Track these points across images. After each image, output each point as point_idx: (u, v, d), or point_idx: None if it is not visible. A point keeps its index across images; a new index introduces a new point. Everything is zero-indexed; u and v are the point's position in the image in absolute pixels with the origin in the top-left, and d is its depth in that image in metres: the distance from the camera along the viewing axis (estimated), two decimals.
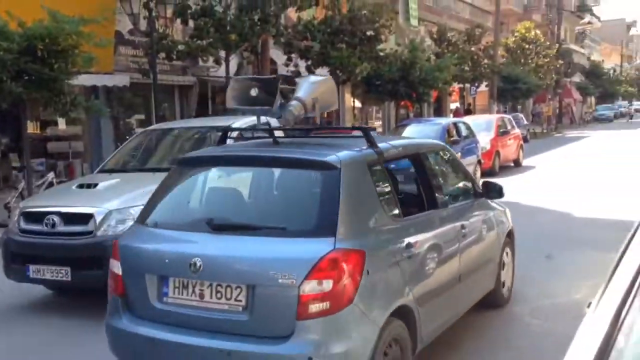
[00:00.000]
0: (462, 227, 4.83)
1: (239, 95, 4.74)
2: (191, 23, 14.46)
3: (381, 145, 4.19)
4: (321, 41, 17.45)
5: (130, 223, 5.68)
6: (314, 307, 3.30)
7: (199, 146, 7.56)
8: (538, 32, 40.60)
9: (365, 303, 3.45)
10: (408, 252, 3.92)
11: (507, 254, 5.92)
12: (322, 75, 8.13)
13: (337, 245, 3.40)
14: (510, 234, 6.04)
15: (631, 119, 55.05)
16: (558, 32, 46.48)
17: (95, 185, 6.73)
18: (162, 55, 14.39)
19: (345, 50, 17.68)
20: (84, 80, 11.46)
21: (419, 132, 14.48)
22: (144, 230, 4.03)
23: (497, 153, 17.44)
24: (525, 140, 24.27)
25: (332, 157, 3.73)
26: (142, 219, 4.12)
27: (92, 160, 14.54)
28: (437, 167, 5.11)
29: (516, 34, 39.09)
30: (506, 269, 5.91)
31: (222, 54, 14.63)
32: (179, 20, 14.68)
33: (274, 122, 5.00)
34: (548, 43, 41.48)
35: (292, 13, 17.44)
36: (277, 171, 4.12)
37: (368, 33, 18.30)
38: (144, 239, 3.98)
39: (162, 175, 5.93)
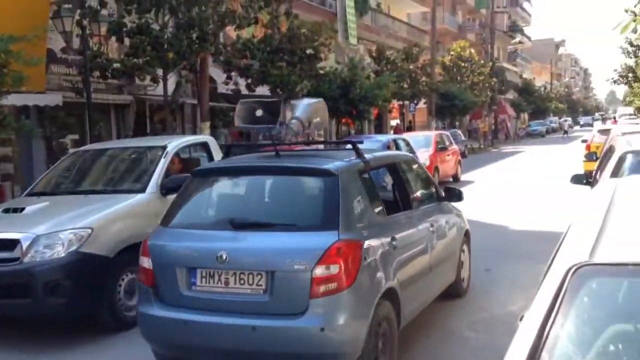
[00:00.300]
0: (431, 225, 5.70)
1: (246, 115, 5.78)
2: (127, 41, 14.16)
3: (366, 156, 4.99)
4: (261, 59, 17.42)
5: (60, 248, 5.49)
6: (324, 288, 4.02)
7: (134, 167, 7.35)
8: (473, 51, 41.93)
9: (363, 284, 4.21)
10: (393, 244, 4.71)
11: (464, 251, 6.79)
12: (315, 99, 9.07)
13: (341, 237, 4.15)
14: (467, 234, 6.94)
15: (566, 134, 57.36)
16: (491, 51, 48.16)
17: (22, 209, 6.40)
18: (97, 73, 14.01)
19: (285, 69, 17.71)
20: (14, 99, 11.00)
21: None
22: (170, 231, 4.69)
23: (436, 168, 17.77)
24: (463, 155, 24.87)
25: (330, 166, 4.58)
26: (165, 222, 4.80)
27: (23, 182, 13.93)
28: (409, 175, 5.96)
29: (452, 52, 40.24)
30: (464, 264, 6.80)
31: (160, 72, 14.38)
32: (114, 38, 14.36)
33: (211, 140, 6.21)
34: (482, 61, 42.88)
35: (231, 31, 17.36)
36: (285, 178, 4.92)
37: (308, 51, 18.40)
38: (172, 238, 4.64)
39: (96, 198, 6.16)
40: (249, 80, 17.94)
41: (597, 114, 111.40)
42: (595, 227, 1.80)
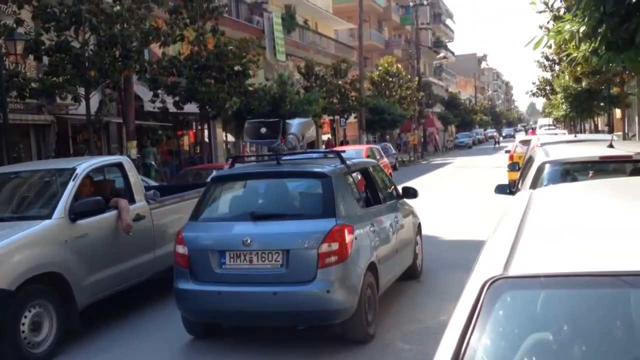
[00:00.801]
0: (395, 217, 7.11)
1: (253, 132, 7.25)
2: (46, 59, 13.61)
3: (347, 162, 6.44)
4: (188, 77, 17.15)
5: None
6: (327, 260, 5.34)
7: (41, 191, 6.97)
8: (400, 66, 42.92)
9: (355, 258, 5.57)
10: (372, 229, 6.12)
11: (417, 243, 8.12)
12: (305, 118, 10.88)
13: (337, 222, 5.49)
14: (419, 227, 8.31)
15: (498, 144, 59.33)
16: (418, 66, 49.43)
17: None
18: (14, 93, 13.38)
19: (214, 86, 17.51)
20: None
21: None
22: (200, 224, 5.97)
23: None
24: (394, 168, 25.27)
25: (325, 169, 5.98)
26: (194, 217, 6.04)
27: None
28: (376, 176, 7.43)
29: (379, 67, 41.03)
30: (418, 251, 8.15)
31: (82, 90, 13.88)
32: (32, 57, 13.77)
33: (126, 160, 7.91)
34: (409, 76, 43.96)
35: (156, 48, 17.03)
36: (290, 179, 6.45)
37: (236, 68, 18.27)
38: (202, 229, 5.91)
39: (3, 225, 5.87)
40: (177, 98, 17.61)
41: (519, 125, 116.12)
42: (509, 240, 1.80)
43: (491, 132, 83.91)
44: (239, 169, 6.86)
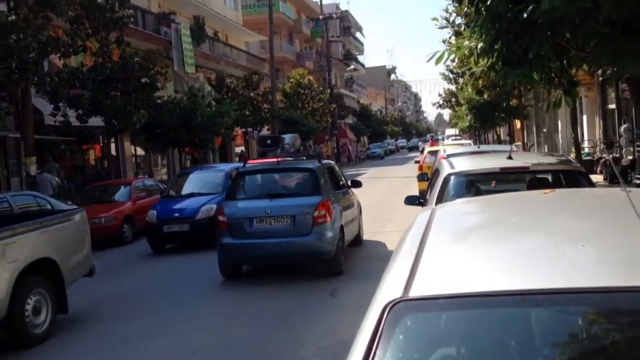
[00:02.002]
0: (349, 198, 10.79)
1: (261, 142, 11.95)
2: None
3: (322, 162, 10.30)
4: (92, 89, 16.45)
5: None
6: (318, 221, 8.75)
7: None
8: (311, 78, 43.33)
9: (333, 221, 9.00)
10: (340, 204, 9.58)
11: (360, 218, 11.54)
12: (293, 134, 14.87)
13: (323, 198, 8.94)
14: (360, 208, 11.59)
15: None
16: (329, 78, 50.11)
17: None
18: None
19: (120, 98, 16.89)
20: None
21: (202, 180, 14.24)
22: (234, 202, 9.39)
23: None
24: None
25: (312, 166, 9.62)
26: (230, 197, 9.58)
27: None
28: (336, 172, 10.92)
29: (291, 79, 41.23)
30: (361, 223, 11.63)
31: None
32: None
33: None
34: (321, 88, 44.44)
35: (56, 60, 16.23)
36: (291, 172, 9.99)
37: (143, 80, 17.73)
38: (236, 205, 9.32)
39: None
40: (80, 111, 16.84)
41: (428, 135, 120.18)
42: (409, 261, 1.77)
43: (402, 142, 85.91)
44: (254, 166, 10.58)
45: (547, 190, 2.44)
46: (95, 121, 17.69)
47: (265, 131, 34.52)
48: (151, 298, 8.98)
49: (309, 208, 8.84)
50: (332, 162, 11.65)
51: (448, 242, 1.97)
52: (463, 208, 2.56)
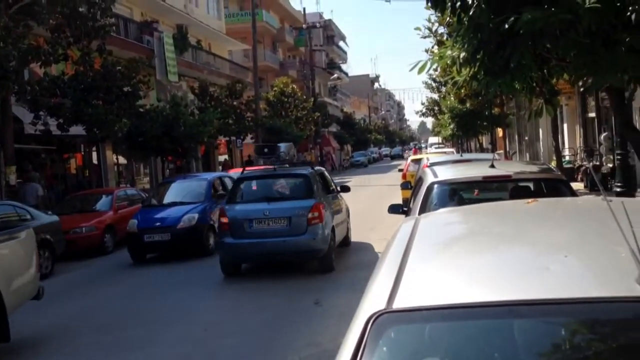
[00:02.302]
0: (339, 202, 11.62)
1: (259, 151, 12.25)
2: None
3: (315, 168, 11.33)
4: (73, 98, 16.30)
5: None
6: (312, 221, 9.70)
7: None
8: (295, 86, 43.36)
9: (326, 221, 10.01)
10: (331, 207, 10.59)
11: (348, 221, 12.56)
12: (288, 143, 14.77)
13: (316, 201, 9.88)
14: (348, 211, 12.78)
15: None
16: (313, 86, 50.19)
17: None
18: None
19: (101, 107, 16.75)
20: None
21: (185, 189, 14.16)
22: (234, 205, 10.14)
23: None
24: None
25: (306, 172, 10.62)
26: (230, 201, 10.35)
27: None
28: (327, 177, 11.78)
29: (275, 88, 41.22)
30: (349, 226, 12.59)
31: None
32: None
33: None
34: (305, 97, 44.48)
35: (37, 68, 16.08)
36: (287, 177, 10.85)
37: (125, 89, 17.61)
38: (236, 208, 10.08)
39: None
40: (61, 120, 16.67)
41: (411, 144, 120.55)
42: (393, 271, 1.77)
43: (385, 150, 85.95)
44: (252, 173, 11.98)
45: (530, 200, 2.46)
46: (77, 130, 17.52)
47: (249, 139, 34.45)
48: (132, 308, 8.88)
49: (303, 210, 9.74)
50: (323, 169, 12.65)
51: (432, 253, 1.97)
52: (447, 218, 2.56)
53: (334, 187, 11.89)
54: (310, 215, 9.66)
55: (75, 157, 23.46)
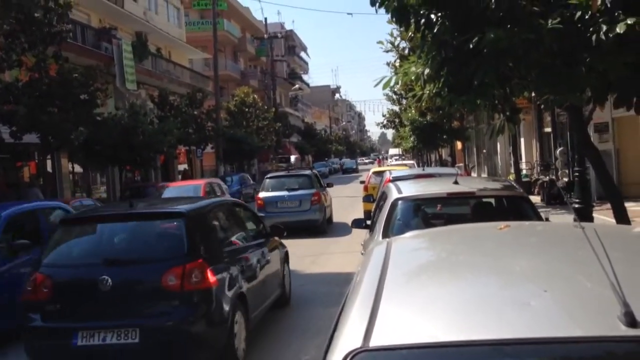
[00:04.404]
0: (328, 192, 19.00)
1: (280, 161, 40.52)
2: None
3: (313, 171, 19.63)
4: (28, 105, 15.80)
5: None
6: (314, 203, 16.36)
7: None
8: (256, 96, 43.21)
9: (323, 203, 16.80)
10: (324, 194, 17.67)
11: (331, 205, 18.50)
12: (296, 155, 34.94)
13: (316, 190, 16.86)
14: (331, 199, 18.59)
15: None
16: (274, 96, 50.10)
17: None
18: None
19: (57, 115, 16.29)
20: None
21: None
22: (265, 193, 16.92)
23: None
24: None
25: (309, 172, 18.46)
26: (262, 190, 17.33)
27: None
28: (319, 177, 19.17)
29: (236, 98, 40.98)
30: (331, 209, 18.40)
31: None
32: None
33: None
34: (266, 107, 44.38)
35: None
36: (297, 178, 17.59)
37: (82, 97, 17.18)
38: (267, 194, 16.81)
39: None
40: (14, 128, 16.14)
41: (372, 155, 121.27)
42: (367, 305, 1.69)
43: (349, 162, 77.35)
44: (277, 173, 19.21)
45: (502, 225, 2.42)
46: (31, 138, 17.00)
47: (209, 149, 34.10)
48: None
49: (308, 196, 16.21)
50: (317, 171, 19.69)
51: (407, 285, 1.90)
52: (420, 244, 2.50)
53: (323, 183, 18.66)
54: (312, 199, 16.16)
55: (28, 165, 22.76)
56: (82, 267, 5.88)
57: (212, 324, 5.57)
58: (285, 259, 8.97)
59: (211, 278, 5.56)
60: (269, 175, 18.18)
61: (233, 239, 6.99)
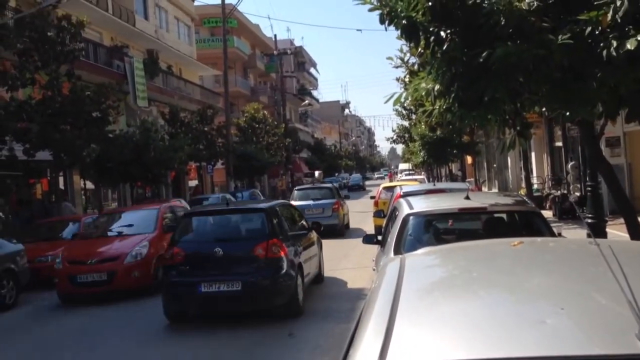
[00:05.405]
0: (345, 202, 23.45)
1: (306, 175, 53.82)
2: None
3: (334, 184, 30.02)
4: (40, 123, 15.98)
5: None
6: (334, 210, 20.19)
7: None
8: (266, 112, 43.38)
9: (341, 211, 20.89)
10: (342, 203, 22.42)
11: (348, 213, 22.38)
12: (319, 171, 41.98)
13: (336, 200, 20.96)
14: (347, 206, 22.95)
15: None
16: (284, 112, 50.29)
17: None
18: None
19: (70, 132, 16.45)
20: None
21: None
22: (295, 202, 18.96)
23: None
24: None
25: (330, 186, 23.82)
26: (293, 199, 20.50)
27: None
28: (339, 190, 25.42)
29: (246, 114, 41.17)
30: (347, 216, 21.97)
31: None
32: None
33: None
34: (276, 123, 44.52)
35: (3, 93, 15.75)
36: (320, 190, 22.47)
37: (94, 114, 17.34)
38: (297, 203, 18.34)
39: None
40: (27, 145, 16.30)
41: (382, 170, 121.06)
42: (382, 325, 1.68)
43: (357, 178, 72.39)
44: (304, 186, 25.80)
45: (516, 242, 2.41)
46: (44, 155, 17.16)
47: (220, 165, 34.22)
48: (108, 337, 8.59)
49: (330, 205, 19.78)
50: (336, 185, 25.58)
51: (421, 304, 1.89)
52: (433, 261, 2.50)
53: (341, 195, 22.68)
54: (333, 207, 19.72)
55: (41, 182, 22.92)
56: (202, 243, 9.13)
57: (285, 280, 8.53)
58: (320, 248, 11.68)
59: (284, 250, 8.61)
60: (297, 188, 23.80)
61: (292, 227, 10.04)
